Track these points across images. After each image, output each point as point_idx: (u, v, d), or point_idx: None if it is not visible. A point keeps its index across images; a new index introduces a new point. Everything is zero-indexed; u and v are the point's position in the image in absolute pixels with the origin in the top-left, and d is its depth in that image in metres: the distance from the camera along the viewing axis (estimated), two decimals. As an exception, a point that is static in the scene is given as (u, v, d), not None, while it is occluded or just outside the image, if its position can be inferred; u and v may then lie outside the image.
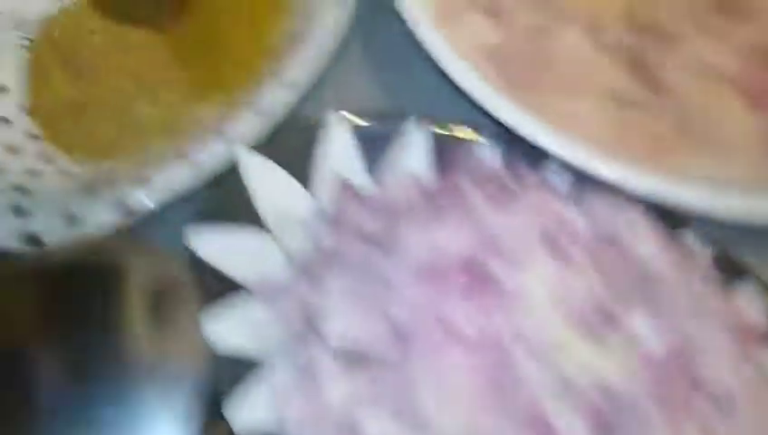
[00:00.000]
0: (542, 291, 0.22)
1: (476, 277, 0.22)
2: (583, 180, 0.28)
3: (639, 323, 0.22)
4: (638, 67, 0.33)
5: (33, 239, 0.28)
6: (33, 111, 0.35)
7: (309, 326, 0.25)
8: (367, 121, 0.32)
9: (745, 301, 0.27)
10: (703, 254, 0.27)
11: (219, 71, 0.36)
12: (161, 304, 0.24)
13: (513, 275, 0.22)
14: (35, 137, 0.34)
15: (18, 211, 0.29)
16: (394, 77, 0.39)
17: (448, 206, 0.25)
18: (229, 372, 0.24)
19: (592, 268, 0.23)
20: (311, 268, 0.27)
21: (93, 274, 0.25)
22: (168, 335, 0.23)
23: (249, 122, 0.31)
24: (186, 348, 0.24)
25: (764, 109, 0.31)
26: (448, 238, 0.23)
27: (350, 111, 0.32)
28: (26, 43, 0.36)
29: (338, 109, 0.34)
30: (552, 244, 0.24)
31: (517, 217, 0.24)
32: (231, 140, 0.30)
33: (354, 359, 0.24)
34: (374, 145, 0.31)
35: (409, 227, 0.24)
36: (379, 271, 0.24)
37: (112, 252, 0.27)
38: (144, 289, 0.24)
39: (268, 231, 0.29)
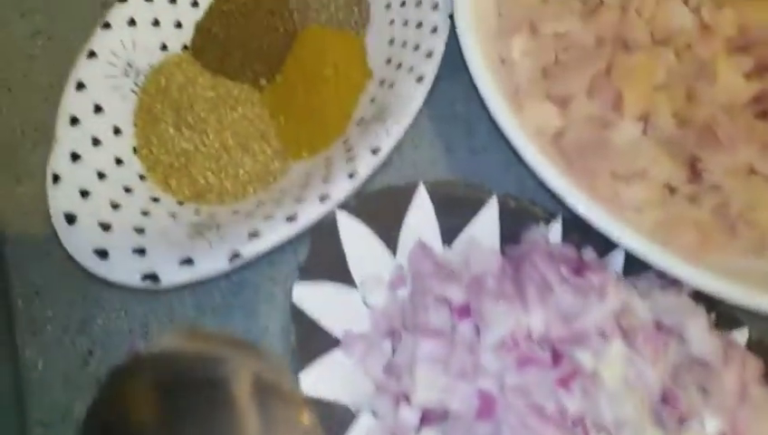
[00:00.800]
0: (617, 375, 0.26)
1: (558, 359, 0.26)
2: (639, 265, 0.31)
3: (698, 410, 0.25)
4: (689, 162, 0.37)
5: (152, 277, 0.32)
6: (141, 153, 0.39)
7: (393, 381, 0.29)
8: (447, 192, 0.35)
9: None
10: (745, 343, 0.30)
11: (308, 129, 0.40)
12: (267, 403, 0.22)
13: (591, 359, 0.26)
14: (143, 177, 0.38)
15: (138, 251, 0.33)
16: (471, 148, 0.43)
17: (528, 285, 0.29)
18: (325, 418, 0.28)
19: (656, 355, 0.27)
20: (395, 328, 0.31)
21: (202, 379, 0.22)
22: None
23: (343, 185, 0.34)
24: None
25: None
26: (531, 319, 0.27)
27: (431, 181, 0.35)
28: (137, 89, 0.40)
29: (418, 177, 0.39)
30: (623, 331, 0.27)
31: (591, 302, 0.28)
32: (327, 200, 0.34)
33: (435, 415, 0.28)
34: (453, 215, 0.35)
35: (494, 303, 0.28)
36: (465, 341, 0.28)
37: (218, 354, 0.24)
38: (250, 390, 0.22)
39: (357, 289, 0.33)
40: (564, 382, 0.25)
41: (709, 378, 0.28)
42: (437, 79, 0.43)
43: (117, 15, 0.40)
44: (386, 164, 0.37)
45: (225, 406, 0.21)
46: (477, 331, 0.29)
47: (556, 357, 0.27)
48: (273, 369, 0.23)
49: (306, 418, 0.23)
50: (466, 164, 0.42)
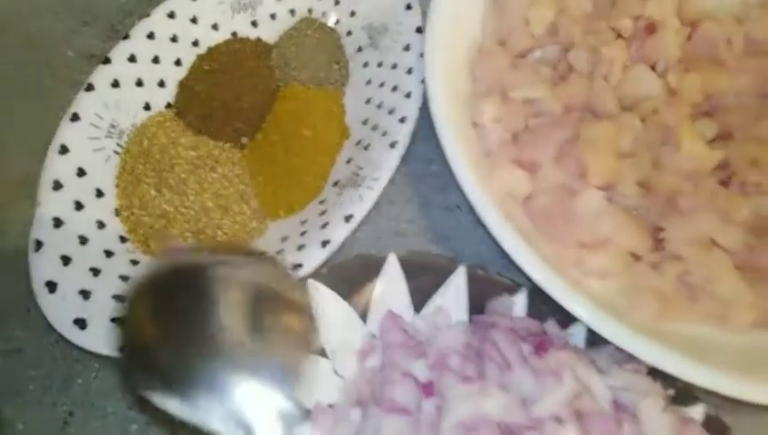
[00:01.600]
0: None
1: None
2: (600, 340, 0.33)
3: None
4: (653, 231, 0.38)
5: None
6: (122, 215, 0.40)
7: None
8: (417, 261, 0.36)
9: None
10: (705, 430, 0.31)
11: (286, 189, 0.41)
12: (260, 307, 0.25)
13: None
14: (124, 239, 0.39)
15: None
16: (446, 206, 0.44)
17: (488, 366, 0.30)
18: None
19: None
20: (364, 399, 0.32)
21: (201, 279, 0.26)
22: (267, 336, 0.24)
23: (316, 254, 0.36)
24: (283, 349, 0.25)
25: (756, 281, 0.36)
26: (489, 404, 0.28)
27: (402, 252, 0.37)
28: (120, 150, 0.41)
29: (394, 234, 0.40)
30: (579, 415, 0.29)
31: (548, 387, 0.29)
32: (299, 269, 0.35)
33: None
34: (423, 282, 0.36)
35: (456, 384, 0.29)
36: (429, 420, 0.29)
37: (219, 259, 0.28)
38: (243, 294, 0.25)
39: (328, 358, 0.34)
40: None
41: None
42: (415, 139, 0.44)
43: (100, 77, 0.41)
44: (362, 221, 0.38)
45: (214, 307, 0.24)
46: (444, 416, 0.30)
47: (511, 441, 0.28)
48: (275, 276, 0.27)
49: (300, 324, 0.24)
50: (442, 221, 0.44)
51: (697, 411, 0.33)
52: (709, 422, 0.33)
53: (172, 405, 0.22)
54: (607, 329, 0.32)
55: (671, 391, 0.33)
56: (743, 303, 0.36)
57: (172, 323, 0.24)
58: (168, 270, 0.27)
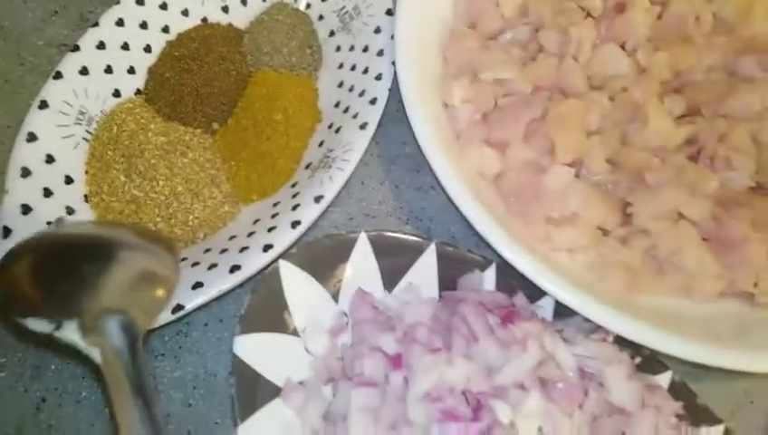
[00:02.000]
0: (533, 427, 0.27)
1: (478, 412, 0.27)
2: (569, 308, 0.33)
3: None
4: (621, 206, 0.39)
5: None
6: (92, 201, 0.40)
7: (330, 429, 0.30)
8: (388, 240, 0.37)
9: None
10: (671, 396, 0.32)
11: (259, 174, 0.41)
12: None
13: (510, 411, 0.28)
14: (94, 225, 0.39)
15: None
16: (418, 187, 0.44)
17: (455, 337, 0.30)
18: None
19: (572, 407, 0.28)
20: (335, 376, 0.32)
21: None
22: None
23: (286, 234, 0.36)
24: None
25: (722, 252, 0.37)
26: (454, 373, 0.28)
27: (372, 231, 0.37)
28: (89, 137, 0.41)
29: (367, 214, 0.40)
30: (543, 383, 0.29)
31: (513, 355, 0.29)
32: (270, 250, 0.35)
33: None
34: (394, 261, 0.36)
35: (422, 355, 0.29)
36: (396, 392, 0.29)
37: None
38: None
39: (299, 337, 0.34)
40: (475, 428, 0.27)
41: (627, 424, 0.30)
42: (387, 121, 0.45)
43: (69, 65, 0.41)
44: (334, 203, 0.39)
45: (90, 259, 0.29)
46: (410, 386, 0.30)
47: (477, 409, 0.28)
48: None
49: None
50: (414, 202, 0.44)
51: (664, 378, 0.33)
52: (675, 388, 0.33)
53: (39, 325, 0.27)
54: (573, 301, 0.33)
55: (638, 359, 0.34)
56: (709, 274, 0.37)
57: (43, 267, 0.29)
58: (44, 236, 0.32)
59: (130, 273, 0.30)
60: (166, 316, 0.33)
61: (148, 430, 0.24)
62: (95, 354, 0.26)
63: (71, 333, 0.26)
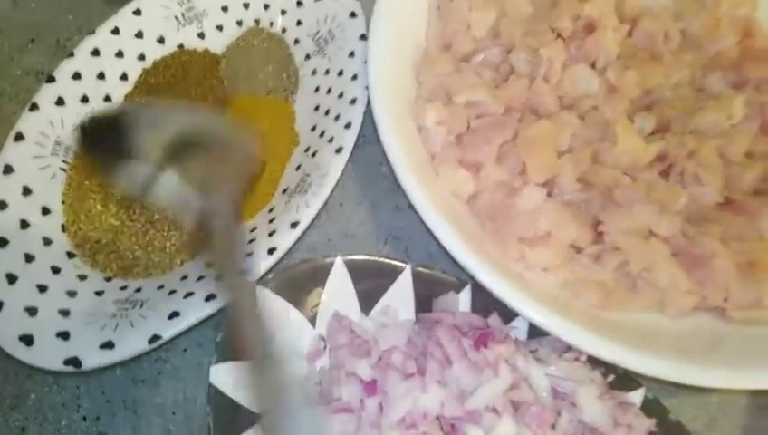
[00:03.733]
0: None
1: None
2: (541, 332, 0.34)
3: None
4: (593, 224, 0.39)
5: (74, 362, 0.33)
6: (69, 231, 0.40)
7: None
8: (363, 263, 0.37)
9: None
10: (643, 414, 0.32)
11: (235, 199, 0.41)
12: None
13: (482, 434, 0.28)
14: (71, 255, 0.39)
15: (62, 335, 0.34)
16: (396, 207, 0.45)
17: (429, 362, 0.31)
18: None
19: (544, 430, 0.29)
20: (312, 401, 0.32)
21: None
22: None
23: (261, 261, 0.36)
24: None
25: (693, 268, 0.38)
26: (427, 399, 0.29)
27: (348, 255, 0.37)
28: (66, 166, 0.41)
29: (339, 248, 0.41)
30: (516, 406, 0.29)
31: (485, 379, 0.30)
32: (247, 274, 0.35)
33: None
34: (371, 284, 0.37)
35: (397, 381, 0.30)
36: (371, 418, 0.29)
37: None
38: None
39: (277, 362, 0.34)
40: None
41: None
42: (365, 142, 0.45)
43: (44, 96, 0.41)
44: (312, 225, 0.39)
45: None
46: (386, 413, 0.30)
47: (451, 433, 0.29)
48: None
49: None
50: (392, 222, 0.45)
51: (637, 396, 0.34)
52: (648, 405, 0.34)
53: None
54: (545, 321, 0.33)
55: (611, 377, 0.34)
56: (680, 290, 0.37)
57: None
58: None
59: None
60: (142, 346, 0.33)
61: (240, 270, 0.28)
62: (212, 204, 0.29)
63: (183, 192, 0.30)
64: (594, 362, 0.34)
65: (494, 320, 0.35)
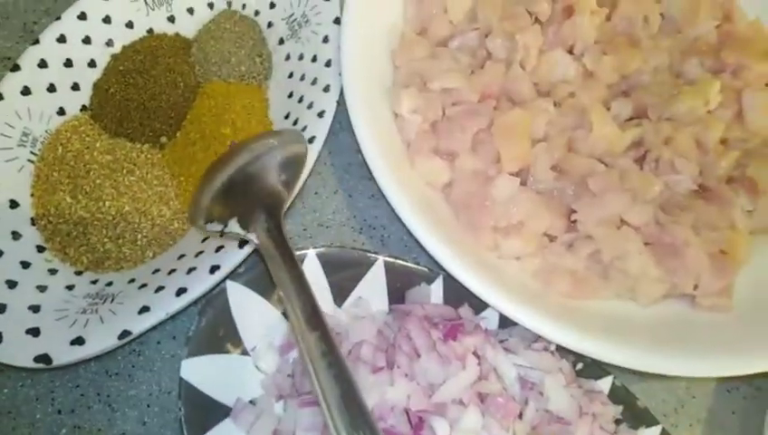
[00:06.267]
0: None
1: (418, 430, 0.28)
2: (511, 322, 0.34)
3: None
4: (566, 213, 0.39)
5: (44, 358, 0.33)
6: (39, 224, 0.39)
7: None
8: (336, 256, 0.37)
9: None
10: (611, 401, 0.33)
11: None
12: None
13: (448, 427, 0.28)
14: (42, 248, 0.39)
15: (32, 331, 0.34)
16: (371, 194, 0.45)
17: (398, 356, 0.31)
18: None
19: (509, 420, 0.29)
20: (285, 393, 0.33)
21: None
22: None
23: (234, 255, 0.36)
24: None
25: (665, 256, 0.38)
26: (397, 393, 0.29)
27: (320, 248, 0.37)
28: (34, 158, 0.40)
29: (314, 237, 0.40)
30: (483, 398, 0.30)
31: (452, 372, 0.30)
32: (217, 271, 0.35)
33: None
34: (344, 276, 0.37)
35: (366, 376, 0.30)
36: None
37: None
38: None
39: (249, 356, 0.34)
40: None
41: (566, 432, 0.31)
42: (340, 129, 0.45)
43: (9, 85, 0.40)
44: (287, 215, 0.39)
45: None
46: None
47: (419, 427, 0.29)
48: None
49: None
50: (367, 210, 0.44)
51: (605, 383, 0.34)
52: (615, 392, 0.34)
53: (214, 227, 0.34)
54: (513, 312, 0.33)
55: (580, 365, 0.34)
56: (651, 278, 0.37)
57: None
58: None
59: (271, 171, 0.36)
60: (112, 342, 0.33)
61: (296, 283, 0.30)
62: (253, 238, 0.32)
63: (234, 228, 0.33)
64: (564, 350, 0.34)
65: (465, 311, 0.35)
